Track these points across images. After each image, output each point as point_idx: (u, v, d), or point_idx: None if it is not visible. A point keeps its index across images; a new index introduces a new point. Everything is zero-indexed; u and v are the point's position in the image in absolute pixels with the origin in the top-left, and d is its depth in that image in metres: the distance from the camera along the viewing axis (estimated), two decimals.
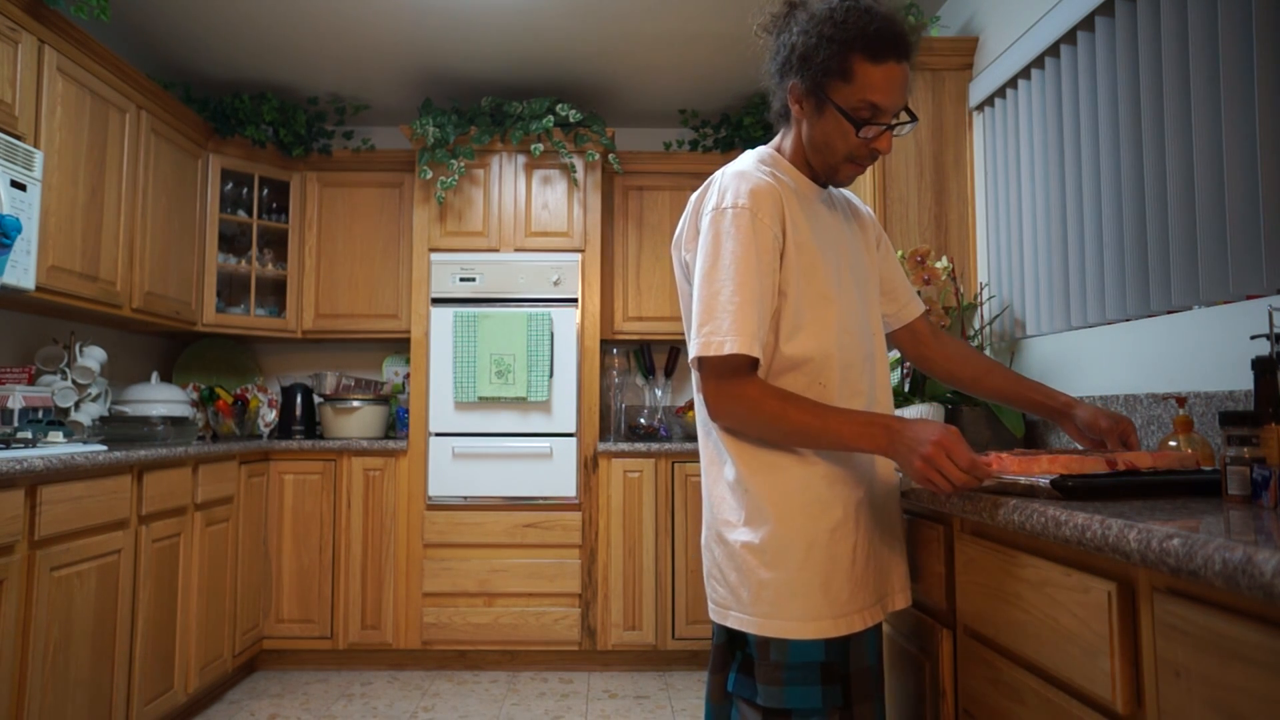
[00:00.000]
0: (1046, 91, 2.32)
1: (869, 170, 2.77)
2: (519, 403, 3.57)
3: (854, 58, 1.23)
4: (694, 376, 1.33)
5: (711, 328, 1.23)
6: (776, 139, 1.42)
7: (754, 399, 1.23)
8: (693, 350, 1.27)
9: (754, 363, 1.25)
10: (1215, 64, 1.69)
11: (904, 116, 1.30)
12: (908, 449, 1.16)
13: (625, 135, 4.26)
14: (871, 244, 1.51)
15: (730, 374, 1.25)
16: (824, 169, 1.35)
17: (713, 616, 1.33)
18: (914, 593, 1.52)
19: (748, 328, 1.22)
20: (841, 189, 1.52)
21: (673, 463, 3.55)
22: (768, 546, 1.25)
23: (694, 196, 1.38)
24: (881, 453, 1.21)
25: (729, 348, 1.21)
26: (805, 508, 1.26)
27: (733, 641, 1.35)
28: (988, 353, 2.65)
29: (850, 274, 1.38)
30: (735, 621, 1.28)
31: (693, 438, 3.86)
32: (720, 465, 1.34)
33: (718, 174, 1.34)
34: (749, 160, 1.37)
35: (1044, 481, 1.15)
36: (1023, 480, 1.18)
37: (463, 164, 3.65)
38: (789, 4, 1.33)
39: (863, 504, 1.31)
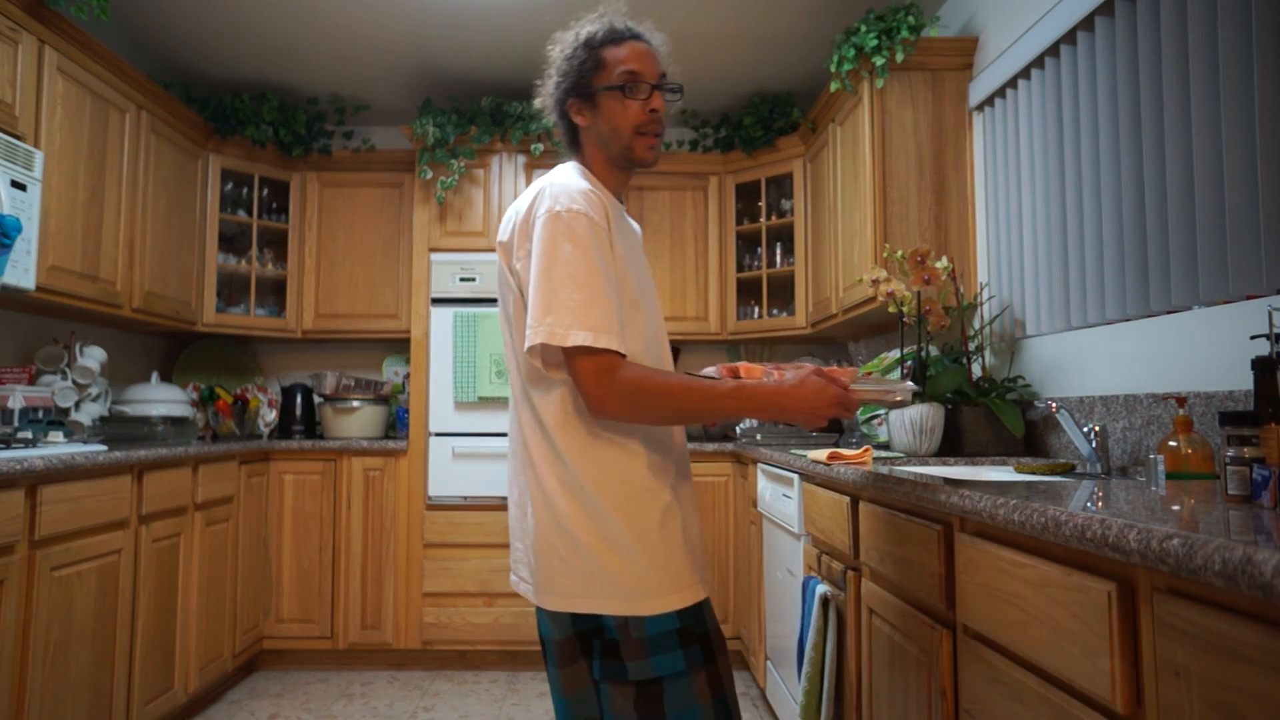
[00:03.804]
0: (1046, 91, 2.33)
1: (868, 169, 2.77)
2: None
3: (601, 51, 1.43)
4: (528, 371, 1.38)
5: (554, 319, 1.27)
6: (574, 161, 1.50)
7: (637, 383, 1.29)
8: (531, 338, 1.29)
9: (619, 353, 1.31)
10: (1215, 64, 1.69)
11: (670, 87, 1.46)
12: (807, 417, 1.33)
13: None
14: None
15: (606, 365, 1.29)
16: (621, 154, 1.44)
17: (553, 606, 1.36)
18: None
19: (594, 320, 1.27)
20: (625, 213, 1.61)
21: None
22: (609, 535, 1.33)
23: (520, 205, 1.42)
24: (772, 420, 1.44)
25: (574, 339, 1.26)
26: (636, 496, 1.34)
27: (584, 634, 1.39)
28: (987, 352, 2.66)
29: (648, 285, 1.49)
30: (587, 606, 1.33)
31: (693, 437, 3.85)
32: (553, 461, 1.38)
33: (544, 182, 1.39)
34: (571, 171, 1.44)
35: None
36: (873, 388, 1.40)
37: (463, 164, 3.65)
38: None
39: (677, 484, 1.42)
